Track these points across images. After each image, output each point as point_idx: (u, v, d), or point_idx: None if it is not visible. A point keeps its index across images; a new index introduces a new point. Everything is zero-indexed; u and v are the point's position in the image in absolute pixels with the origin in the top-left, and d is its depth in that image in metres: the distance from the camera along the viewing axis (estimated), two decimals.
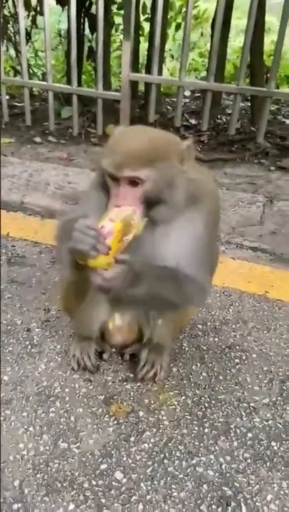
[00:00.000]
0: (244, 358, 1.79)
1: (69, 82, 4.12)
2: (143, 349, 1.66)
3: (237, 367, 1.74)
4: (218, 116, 4.48)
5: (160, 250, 1.34)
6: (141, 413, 1.53)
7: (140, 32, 4.86)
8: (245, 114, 4.60)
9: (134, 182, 1.23)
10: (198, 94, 5.17)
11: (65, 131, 4.19)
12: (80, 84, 4.21)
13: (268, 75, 3.71)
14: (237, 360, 1.77)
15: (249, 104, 4.56)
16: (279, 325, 1.98)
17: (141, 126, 1.39)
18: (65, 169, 3.49)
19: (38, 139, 4.03)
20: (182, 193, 1.30)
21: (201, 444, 1.44)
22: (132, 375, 1.66)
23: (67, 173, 3.44)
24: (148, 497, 1.28)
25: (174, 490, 1.30)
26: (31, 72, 5.21)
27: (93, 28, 4.40)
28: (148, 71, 4.04)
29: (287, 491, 1.32)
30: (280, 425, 1.52)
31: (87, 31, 4.73)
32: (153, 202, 1.26)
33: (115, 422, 1.49)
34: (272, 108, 4.56)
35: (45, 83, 4.00)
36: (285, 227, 2.84)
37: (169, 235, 1.34)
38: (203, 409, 1.56)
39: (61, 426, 1.46)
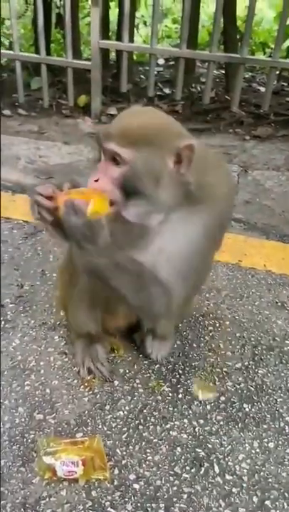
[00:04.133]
0: (217, 325, 1.82)
1: (37, 51, 3.96)
2: (147, 336, 1.62)
3: (210, 334, 1.77)
4: (193, 85, 4.40)
5: (146, 246, 1.24)
6: (116, 382, 1.55)
7: None
8: (220, 82, 4.52)
9: (115, 160, 1.14)
10: (172, 63, 5.05)
11: (35, 103, 4.05)
12: (48, 54, 4.06)
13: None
14: (210, 328, 1.80)
15: (224, 72, 4.48)
16: (252, 292, 2.01)
17: (153, 108, 1.30)
18: (36, 142, 3.40)
19: (7, 112, 3.89)
20: (170, 195, 1.17)
21: (175, 410, 1.47)
22: None
23: (39, 146, 3.35)
24: (123, 462, 1.31)
25: (148, 454, 1.34)
26: None
27: None
28: (119, 38, 3.92)
29: (258, 450, 1.37)
30: (251, 388, 1.56)
31: None
32: (131, 191, 1.15)
33: (90, 392, 1.50)
34: (246, 76, 4.50)
35: (12, 52, 3.85)
36: (259, 197, 2.85)
37: (162, 231, 1.24)
38: (177, 376, 1.59)
39: (36, 398, 1.47)
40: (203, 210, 1.22)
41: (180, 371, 1.60)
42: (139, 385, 1.54)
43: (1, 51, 4.16)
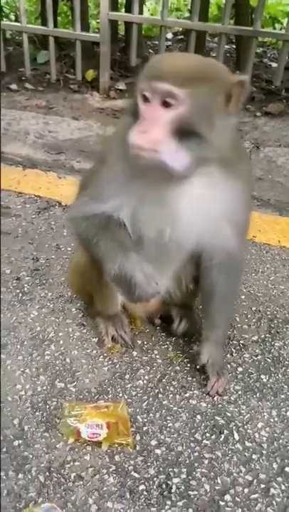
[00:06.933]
0: None
1: (44, 23, 3.87)
2: (172, 309, 1.64)
3: None
4: None
5: (209, 217, 1.24)
6: (134, 353, 1.56)
7: None
8: (231, 57, 4.44)
9: (167, 103, 1.04)
10: (181, 37, 4.95)
11: (42, 78, 3.98)
12: (55, 27, 3.96)
13: (253, 16, 3.56)
14: None
15: (234, 47, 4.39)
16: (266, 268, 2.01)
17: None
18: (45, 118, 3.36)
19: (13, 86, 3.83)
20: (225, 138, 1.12)
21: (194, 379, 1.49)
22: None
23: (47, 121, 3.31)
24: (144, 428, 1.33)
25: (169, 421, 1.36)
26: (3, 13, 4.87)
27: None
28: (128, 11, 3.82)
29: (276, 419, 1.39)
30: (268, 359, 1.57)
31: None
32: (184, 135, 1.06)
33: (110, 362, 1.52)
34: (257, 51, 4.41)
35: (19, 24, 3.77)
36: (271, 173, 2.83)
37: (215, 202, 1.22)
38: (195, 347, 1.60)
39: (57, 367, 1.49)
40: (239, 174, 1.23)
41: (197, 343, 1.61)
42: (158, 356, 1.56)
43: (8, 23, 4.07)
